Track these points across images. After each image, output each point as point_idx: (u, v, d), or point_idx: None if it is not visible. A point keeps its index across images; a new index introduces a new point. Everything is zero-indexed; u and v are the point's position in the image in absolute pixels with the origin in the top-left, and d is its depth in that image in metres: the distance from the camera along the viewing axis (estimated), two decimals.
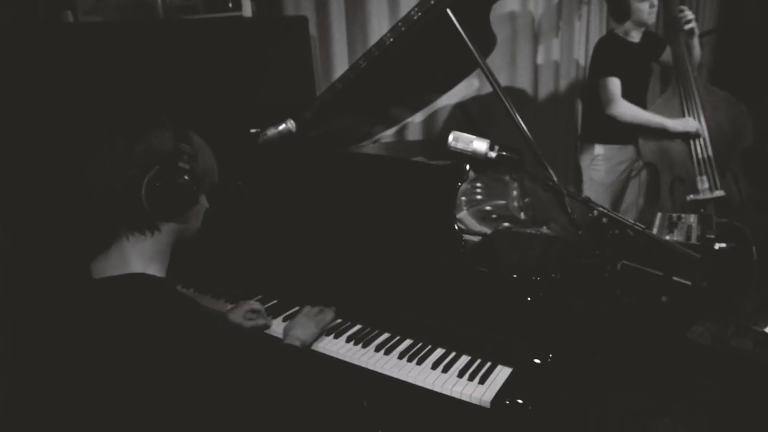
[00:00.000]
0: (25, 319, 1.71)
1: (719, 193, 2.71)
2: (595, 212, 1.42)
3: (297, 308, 1.73)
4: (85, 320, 1.08)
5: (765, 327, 1.83)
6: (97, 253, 1.15)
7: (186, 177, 1.11)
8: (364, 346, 1.54)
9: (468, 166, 1.61)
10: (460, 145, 1.53)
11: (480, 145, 1.51)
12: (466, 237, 1.65)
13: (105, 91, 1.87)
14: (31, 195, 1.79)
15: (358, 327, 1.63)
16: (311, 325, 1.52)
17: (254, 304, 1.65)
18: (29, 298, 1.70)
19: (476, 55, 1.71)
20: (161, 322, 1.04)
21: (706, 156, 2.75)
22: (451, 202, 1.59)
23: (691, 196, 2.74)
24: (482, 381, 1.35)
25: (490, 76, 1.73)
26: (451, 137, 1.53)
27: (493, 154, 1.51)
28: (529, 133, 1.72)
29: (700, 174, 2.75)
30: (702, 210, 2.67)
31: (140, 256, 1.12)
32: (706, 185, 2.73)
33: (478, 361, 1.44)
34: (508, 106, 1.72)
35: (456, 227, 1.58)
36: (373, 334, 1.59)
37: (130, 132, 1.08)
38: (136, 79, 1.94)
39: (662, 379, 2.16)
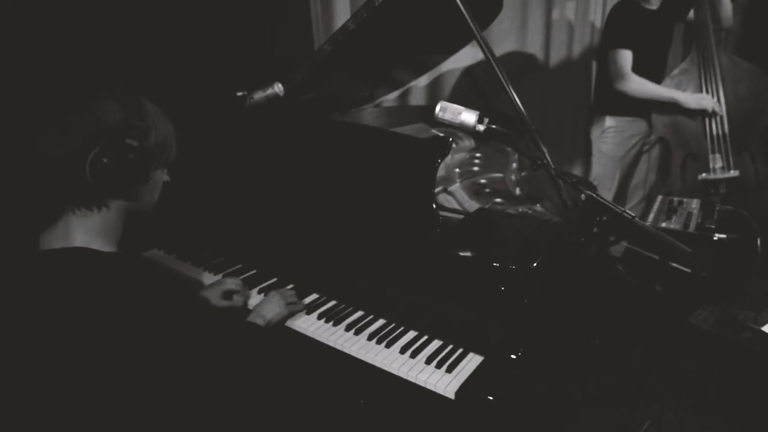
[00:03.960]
0: None
1: (733, 173, 2.56)
2: (583, 196, 1.33)
3: (275, 279, 1.69)
4: (24, 292, 1.06)
5: (763, 324, 1.73)
6: (45, 225, 1.11)
7: (135, 154, 1.05)
8: (335, 324, 1.48)
9: (451, 140, 1.52)
10: (447, 116, 1.46)
11: (468, 116, 1.45)
12: (448, 215, 1.57)
13: (58, 51, 1.71)
14: None
15: (332, 303, 1.58)
16: (281, 305, 1.46)
17: (232, 284, 1.59)
18: None
19: (469, 21, 1.60)
20: (93, 298, 1.00)
21: (721, 133, 2.59)
22: (430, 178, 1.51)
23: (703, 175, 2.60)
24: (450, 369, 1.29)
25: (483, 45, 1.62)
26: (438, 107, 1.46)
27: (481, 128, 1.44)
28: (522, 107, 1.62)
29: (713, 152, 2.60)
30: (712, 190, 2.54)
31: (85, 231, 1.08)
32: (720, 164, 2.58)
33: (450, 347, 1.37)
34: (501, 77, 1.62)
35: (433, 205, 1.50)
36: (346, 312, 1.53)
37: (75, 102, 1.02)
38: (102, 33, 1.80)
39: (648, 361, 2.10)
